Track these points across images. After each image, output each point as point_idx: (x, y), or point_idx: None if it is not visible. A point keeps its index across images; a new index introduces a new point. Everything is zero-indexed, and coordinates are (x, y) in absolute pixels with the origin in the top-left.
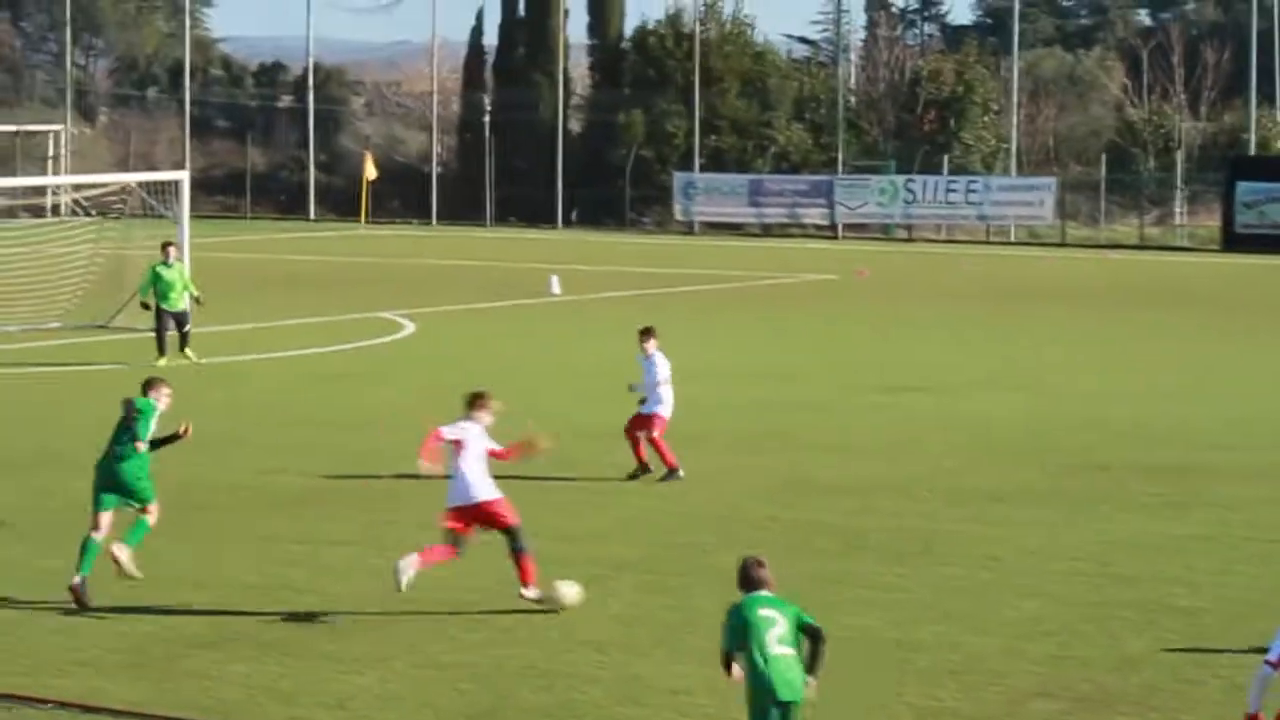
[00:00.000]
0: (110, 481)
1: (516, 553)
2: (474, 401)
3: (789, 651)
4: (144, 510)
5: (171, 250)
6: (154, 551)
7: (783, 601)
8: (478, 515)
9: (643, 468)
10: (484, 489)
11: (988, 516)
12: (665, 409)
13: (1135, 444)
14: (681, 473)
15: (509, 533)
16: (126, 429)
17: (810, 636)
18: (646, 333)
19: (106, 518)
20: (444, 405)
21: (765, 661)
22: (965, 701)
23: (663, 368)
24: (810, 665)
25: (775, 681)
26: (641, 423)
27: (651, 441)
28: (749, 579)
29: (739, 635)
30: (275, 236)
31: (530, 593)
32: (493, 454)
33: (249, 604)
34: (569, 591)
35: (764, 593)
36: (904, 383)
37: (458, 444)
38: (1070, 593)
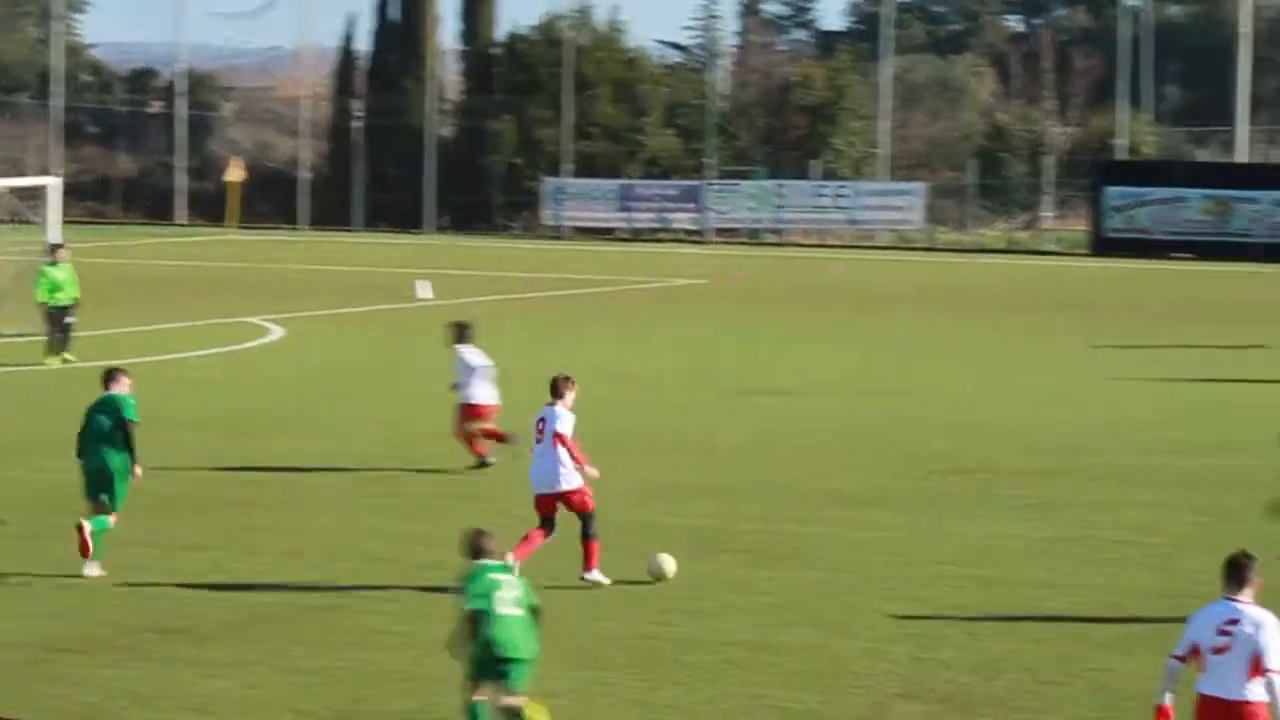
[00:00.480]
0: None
1: (586, 538)
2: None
3: (517, 612)
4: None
5: (61, 252)
6: (14, 555)
7: (509, 569)
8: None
9: (480, 461)
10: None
11: (853, 520)
12: (479, 398)
13: (1000, 447)
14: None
15: (583, 518)
16: (114, 424)
17: (531, 613)
18: (457, 328)
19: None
20: (310, 409)
21: (494, 620)
22: (829, 704)
23: (473, 359)
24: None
25: (503, 639)
26: (465, 415)
27: (466, 433)
28: (477, 548)
29: (472, 595)
30: (144, 241)
31: (593, 576)
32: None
33: (110, 608)
34: (669, 563)
35: (491, 562)
36: (771, 386)
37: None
38: (934, 595)
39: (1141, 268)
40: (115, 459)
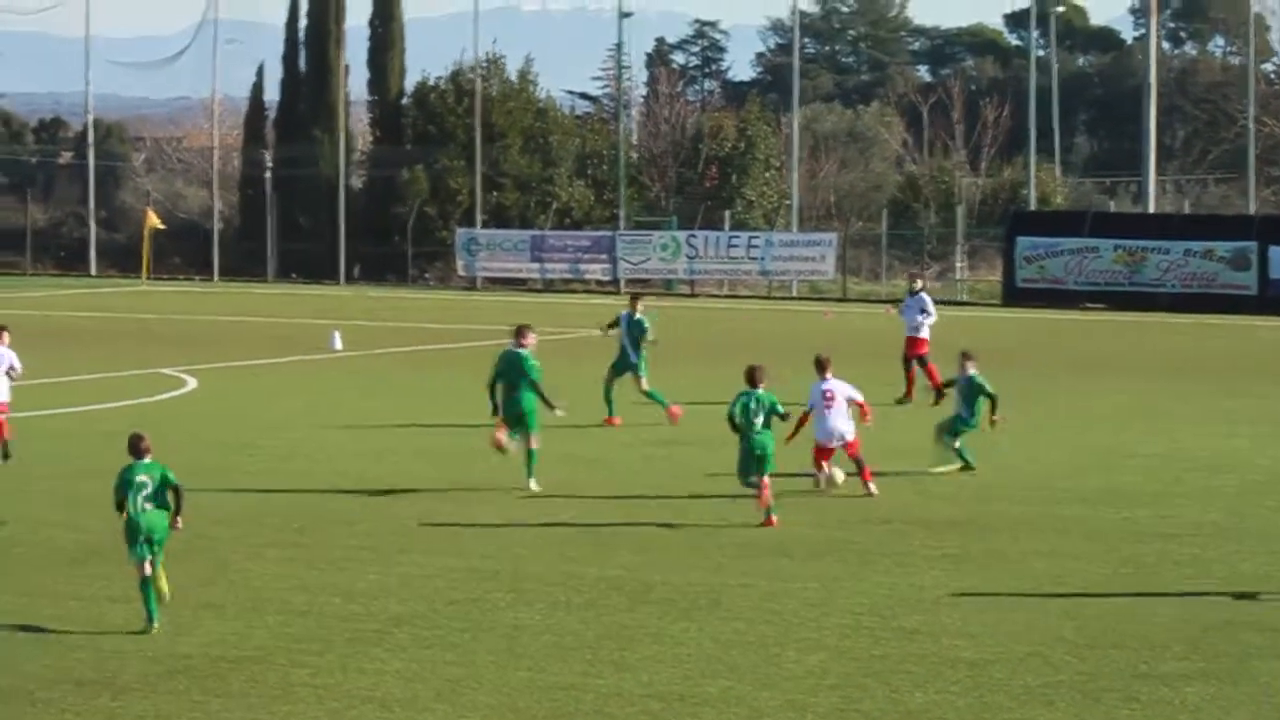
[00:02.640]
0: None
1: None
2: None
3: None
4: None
5: None
6: None
7: (154, 465)
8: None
9: None
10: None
11: (771, 570)
12: None
13: (915, 498)
14: None
15: (856, 461)
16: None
17: (173, 491)
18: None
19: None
20: (225, 461)
21: (139, 512)
22: None
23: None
24: (175, 510)
25: (146, 525)
26: None
27: None
28: (135, 449)
29: (121, 490)
30: (56, 293)
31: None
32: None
33: (27, 659)
34: (839, 474)
35: (144, 460)
36: (683, 437)
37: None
38: (853, 646)
39: (1053, 318)
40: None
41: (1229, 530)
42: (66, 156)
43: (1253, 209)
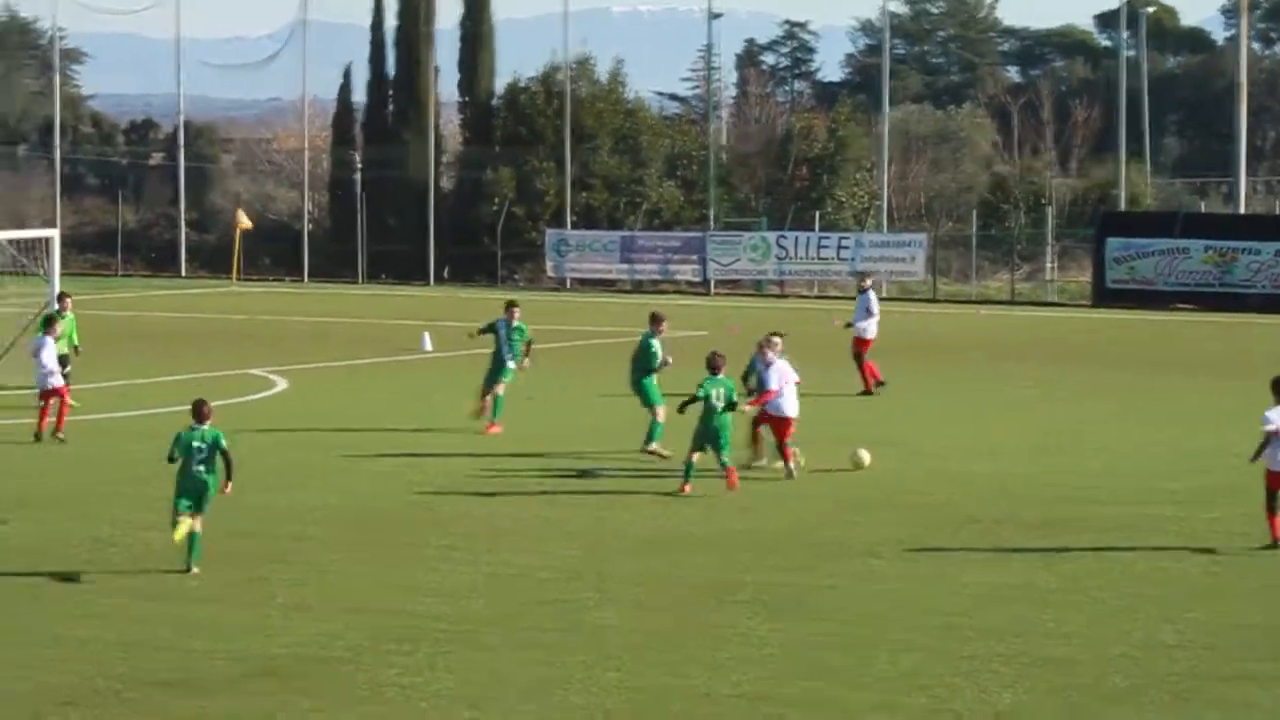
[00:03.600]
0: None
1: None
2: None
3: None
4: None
5: (68, 301)
6: (12, 607)
7: (211, 431)
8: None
9: None
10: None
11: (858, 571)
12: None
13: (1004, 497)
14: None
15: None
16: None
17: (224, 456)
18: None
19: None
20: (315, 462)
21: (194, 472)
22: None
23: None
24: (226, 476)
25: (197, 484)
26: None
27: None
28: (198, 414)
29: (177, 447)
30: (147, 294)
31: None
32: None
33: (111, 662)
34: (865, 456)
35: (204, 426)
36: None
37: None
38: (942, 646)
39: (1143, 318)
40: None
41: None
42: (157, 158)
43: None
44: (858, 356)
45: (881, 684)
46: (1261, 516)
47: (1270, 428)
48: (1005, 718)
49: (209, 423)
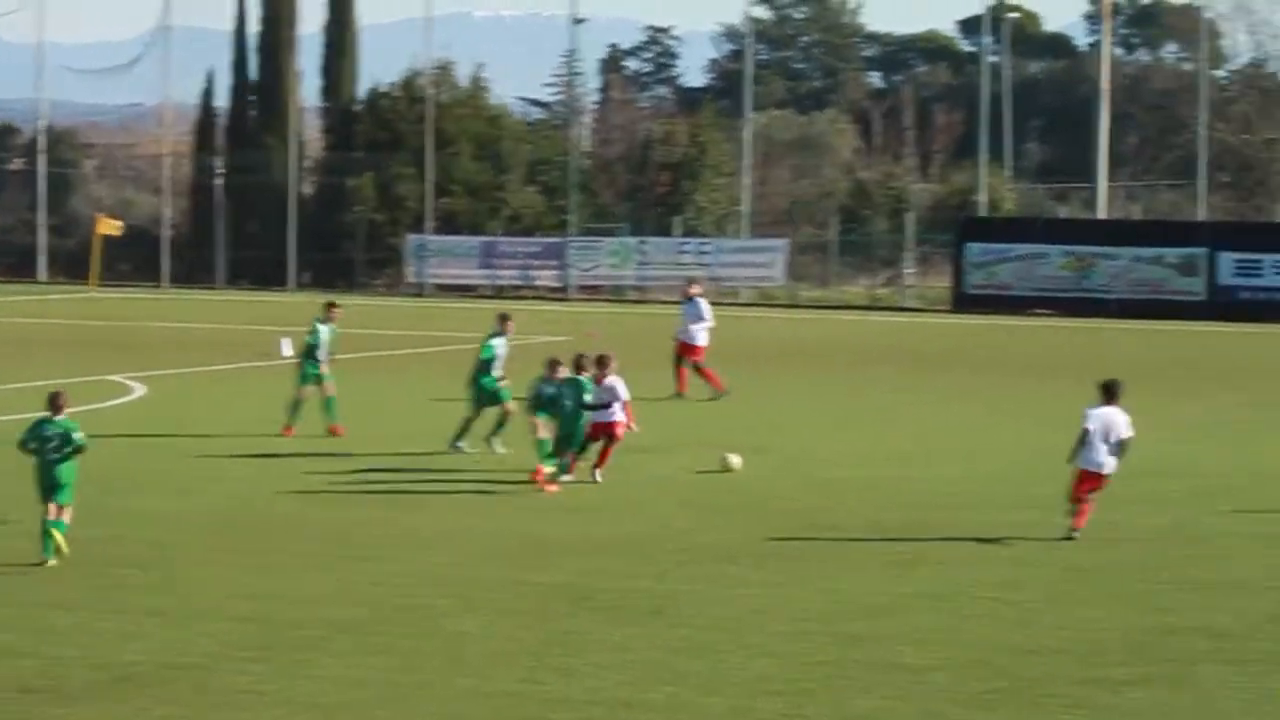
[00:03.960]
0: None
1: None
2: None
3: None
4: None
5: None
6: None
7: (64, 422)
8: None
9: None
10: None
11: (717, 576)
12: None
13: (863, 503)
14: None
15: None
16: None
17: (75, 450)
18: None
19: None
20: (173, 467)
21: (47, 463)
22: None
23: None
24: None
25: (54, 474)
26: None
27: None
28: (52, 405)
29: (28, 436)
30: (3, 299)
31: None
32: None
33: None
34: (735, 460)
35: (58, 418)
36: (632, 443)
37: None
38: (798, 652)
39: (1003, 323)
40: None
41: (1176, 535)
42: (17, 163)
43: (1202, 215)
44: (687, 362)
45: (736, 689)
46: (1119, 518)
47: (1088, 426)
48: None
49: (64, 414)
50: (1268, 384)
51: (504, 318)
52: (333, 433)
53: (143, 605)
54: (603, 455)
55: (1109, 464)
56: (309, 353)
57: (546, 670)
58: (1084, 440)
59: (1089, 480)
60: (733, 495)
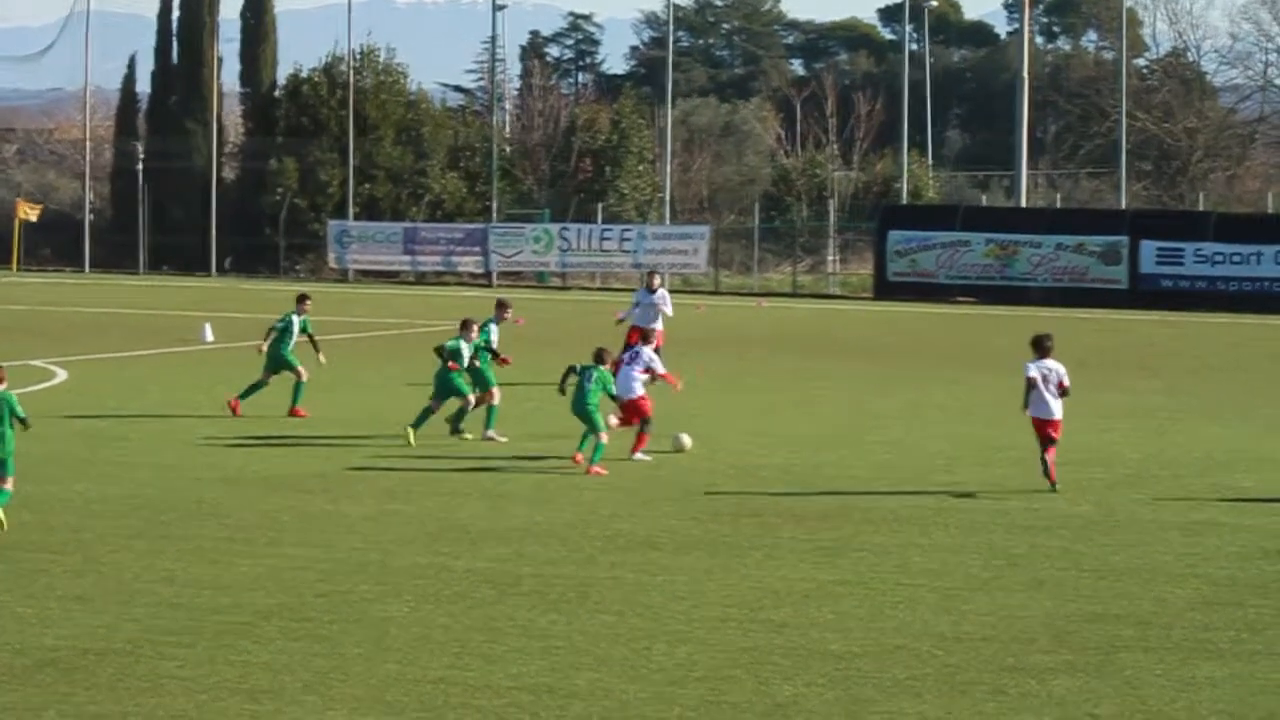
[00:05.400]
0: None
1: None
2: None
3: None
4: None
5: None
6: None
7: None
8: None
9: None
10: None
11: (640, 563)
12: None
13: (787, 491)
14: None
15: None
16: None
17: (19, 421)
18: None
19: None
20: (94, 452)
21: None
22: None
23: None
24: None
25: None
26: None
27: None
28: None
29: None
30: None
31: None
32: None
33: None
34: (686, 440)
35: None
36: (554, 430)
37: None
38: (721, 639)
39: (925, 311)
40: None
41: (1099, 523)
42: None
43: (1124, 203)
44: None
45: (659, 675)
46: (1042, 506)
47: (1030, 374)
48: (784, 710)
49: (2, 386)
50: (1188, 372)
51: (503, 305)
52: (295, 414)
53: (64, 590)
54: (639, 438)
55: (1058, 408)
56: (283, 338)
57: (471, 656)
58: (1030, 388)
59: (1044, 428)
60: (656, 482)
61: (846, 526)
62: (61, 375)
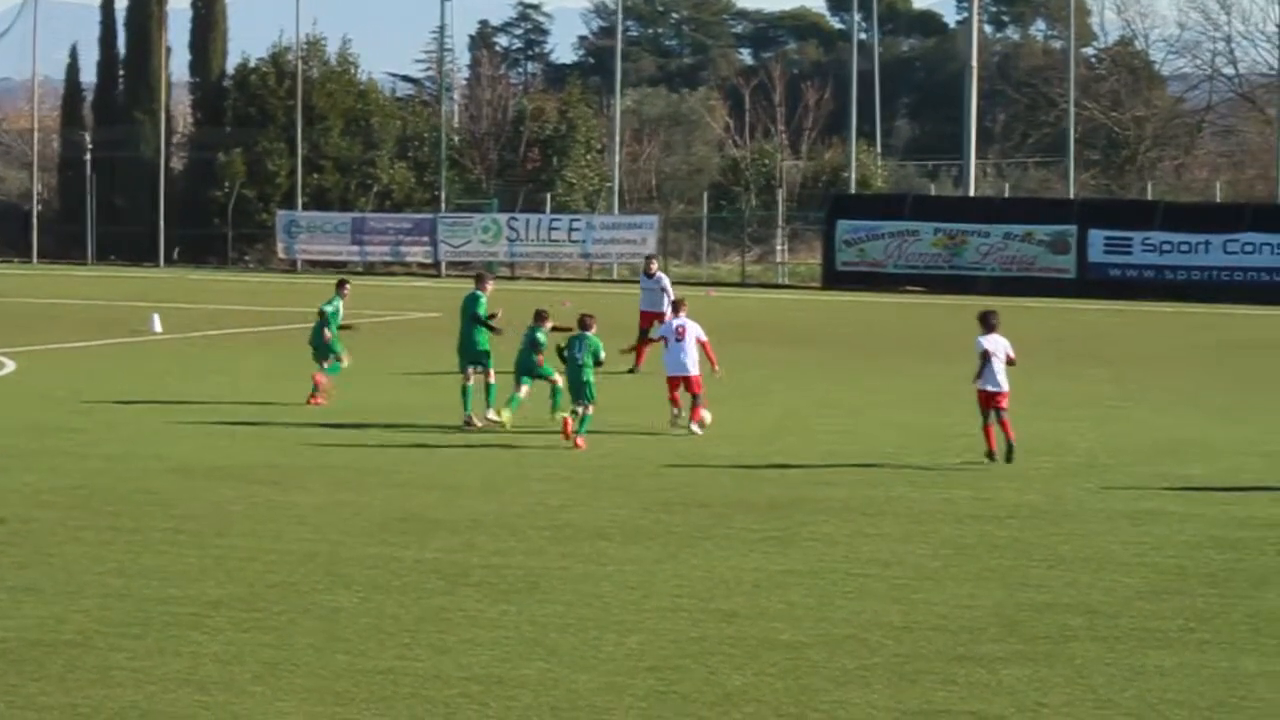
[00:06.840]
0: None
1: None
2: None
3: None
4: None
5: None
6: None
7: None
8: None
9: None
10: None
11: (589, 553)
12: None
13: (736, 480)
14: None
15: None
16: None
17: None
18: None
19: None
20: (42, 443)
21: None
22: None
23: None
24: None
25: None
26: None
27: None
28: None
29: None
30: None
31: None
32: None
33: None
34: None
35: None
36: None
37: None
38: (671, 629)
39: (873, 301)
40: None
41: (1047, 512)
42: None
43: (1072, 193)
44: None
45: (609, 665)
46: (991, 495)
47: (984, 348)
48: (733, 699)
49: None
50: (1135, 361)
51: (480, 277)
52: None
53: (13, 582)
54: (695, 409)
55: (1005, 381)
56: (329, 324)
57: (421, 646)
58: (984, 361)
59: (991, 399)
60: (605, 472)
61: (796, 516)
62: (10, 366)
